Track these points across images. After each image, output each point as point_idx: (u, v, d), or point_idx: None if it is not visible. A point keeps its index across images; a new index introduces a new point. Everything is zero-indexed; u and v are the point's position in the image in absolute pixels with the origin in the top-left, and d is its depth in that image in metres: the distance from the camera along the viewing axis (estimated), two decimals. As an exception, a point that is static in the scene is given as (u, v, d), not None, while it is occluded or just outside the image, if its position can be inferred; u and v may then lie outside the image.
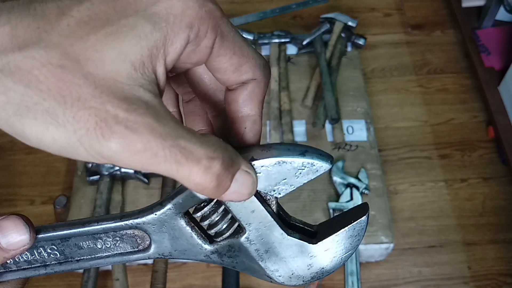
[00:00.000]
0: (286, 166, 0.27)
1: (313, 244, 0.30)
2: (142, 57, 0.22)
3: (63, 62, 0.21)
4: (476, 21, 1.62)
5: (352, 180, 1.21)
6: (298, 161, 0.27)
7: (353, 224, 0.30)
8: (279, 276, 0.31)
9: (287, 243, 0.29)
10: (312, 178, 0.28)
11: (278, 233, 0.29)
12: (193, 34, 0.24)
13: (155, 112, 0.22)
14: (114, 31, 0.22)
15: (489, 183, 1.35)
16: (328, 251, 0.30)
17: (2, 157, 1.40)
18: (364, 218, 0.30)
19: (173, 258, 0.30)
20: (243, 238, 0.29)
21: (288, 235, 0.29)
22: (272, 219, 0.29)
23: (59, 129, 0.21)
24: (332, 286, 1.18)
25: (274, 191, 0.28)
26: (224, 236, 0.29)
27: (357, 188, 1.20)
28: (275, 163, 0.27)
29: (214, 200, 0.29)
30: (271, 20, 1.62)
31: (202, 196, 0.28)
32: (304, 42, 1.47)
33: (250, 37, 1.48)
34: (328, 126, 1.34)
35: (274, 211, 0.29)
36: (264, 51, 1.50)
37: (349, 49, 1.52)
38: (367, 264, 1.21)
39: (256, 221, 0.29)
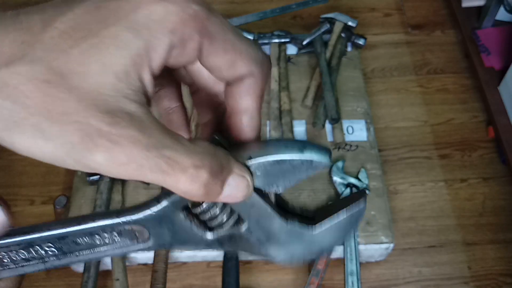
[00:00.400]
0: (284, 164, 0.27)
1: (311, 228, 0.30)
2: (125, 66, 0.22)
3: (48, 77, 0.21)
4: (476, 21, 1.62)
5: (352, 180, 1.21)
6: (296, 159, 0.27)
7: (351, 206, 0.30)
8: (280, 258, 0.31)
9: (287, 230, 0.30)
10: (312, 174, 0.28)
11: (278, 223, 0.29)
12: (177, 38, 0.24)
13: (139, 122, 0.22)
14: (97, 42, 0.22)
15: (489, 183, 1.35)
16: (326, 234, 0.30)
17: (2, 157, 1.40)
18: (362, 201, 0.30)
19: (174, 249, 0.30)
20: (243, 229, 0.29)
21: (287, 223, 0.30)
22: (272, 211, 0.29)
23: (47, 142, 0.21)
24: (332, 286, 1.18)
25: (272, 187, 0.28)
26: (225, 228, 0.29)
27: (357, 188, 1.20)
28: (273, 162, 0.27)
29: None
30: (271, 20, 1.62)
31: None
32: (304, 42, 1.47)
33: (250, 37, 1.48)
34: (328, 126, 1.34)
35: (273, 202, 0.29)
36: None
37: (349, 49, 1.52)
38: (367, 264, 1.21)
39: (256, 214, 0.29)
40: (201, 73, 0.30)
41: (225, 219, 0.29)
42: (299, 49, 1.50)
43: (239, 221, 0.29)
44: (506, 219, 1.29)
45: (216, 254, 1.18)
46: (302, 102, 1.40)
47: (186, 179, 0.23)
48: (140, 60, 0.23)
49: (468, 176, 1.37)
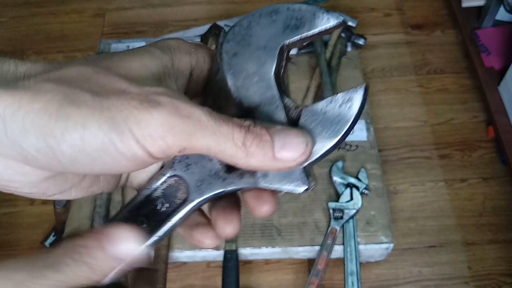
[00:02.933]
0: None
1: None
2: (158, 70, 0.27)
3: (97, 69, 0.25)
4: (476, 21, 1.62)
5: (352, 180, 1.21)
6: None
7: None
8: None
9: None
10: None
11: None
12: (194, 59, 0.29)
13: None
14: (133, 52, 0.27)
15: (489, 183, 1.35)
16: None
17: (2, 157, 1.39)
18: None
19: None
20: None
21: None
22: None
23: (103, 112, 0.22)
24: (332, 286, 1.18)
25: None
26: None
27: (357, 188, 1.20)
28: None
29: None
30: (271, 20, 1.61)
31: None
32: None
33: (250, 37, 1.48)
34: (328, 126, 1.34)
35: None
36: (264, 51, 1.50)
37: (349, 49, 1.52)
38: (367, 264, 1.21)
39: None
40: None
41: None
42: (299, 49, 1.50)
43: None
44: (506, 219, 1.29)
45: (216, 254, 1.18)
46: (302, 102, 1.40)
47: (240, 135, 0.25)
48: (168, 70, 0.27)
49: (468, 176, 1.37)
